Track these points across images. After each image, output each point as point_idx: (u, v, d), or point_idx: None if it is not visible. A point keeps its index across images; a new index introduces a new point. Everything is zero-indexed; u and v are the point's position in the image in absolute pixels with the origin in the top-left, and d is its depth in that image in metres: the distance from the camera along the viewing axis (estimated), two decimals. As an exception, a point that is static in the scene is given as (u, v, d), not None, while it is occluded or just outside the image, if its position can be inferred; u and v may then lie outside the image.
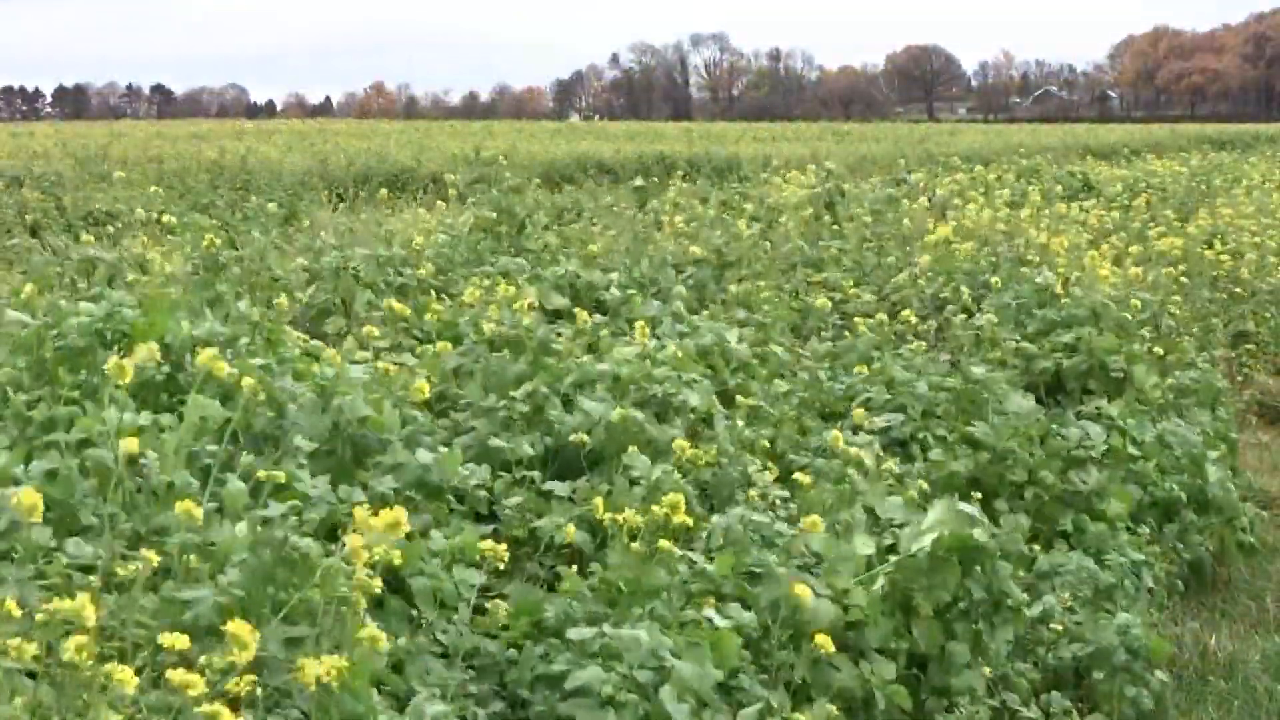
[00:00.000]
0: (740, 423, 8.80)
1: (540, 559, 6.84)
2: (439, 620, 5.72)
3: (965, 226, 19.25)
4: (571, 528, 6.60)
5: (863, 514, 7.35)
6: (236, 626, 4.00)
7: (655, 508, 6.28)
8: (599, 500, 6.55)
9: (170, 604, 4.57)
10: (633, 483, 7.16)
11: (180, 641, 3.96)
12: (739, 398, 9.07)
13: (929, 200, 22.64)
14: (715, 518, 6.91)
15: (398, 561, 4.89)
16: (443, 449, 6.97)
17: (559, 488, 7.22)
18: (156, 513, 5.34)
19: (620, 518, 6.31)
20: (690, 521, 6.40)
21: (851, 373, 10.90)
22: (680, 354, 9.41)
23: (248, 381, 6.20)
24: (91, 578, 4.70)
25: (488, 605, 5.83)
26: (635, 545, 6.25)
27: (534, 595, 6.18)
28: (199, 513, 4.81)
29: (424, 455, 6.79)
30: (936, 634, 6.94)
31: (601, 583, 6.13)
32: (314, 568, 4.71)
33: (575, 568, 6.34)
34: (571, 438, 7.73)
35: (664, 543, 6.15)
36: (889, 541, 7.09)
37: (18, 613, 3.87)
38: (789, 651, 6.23)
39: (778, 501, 7.69)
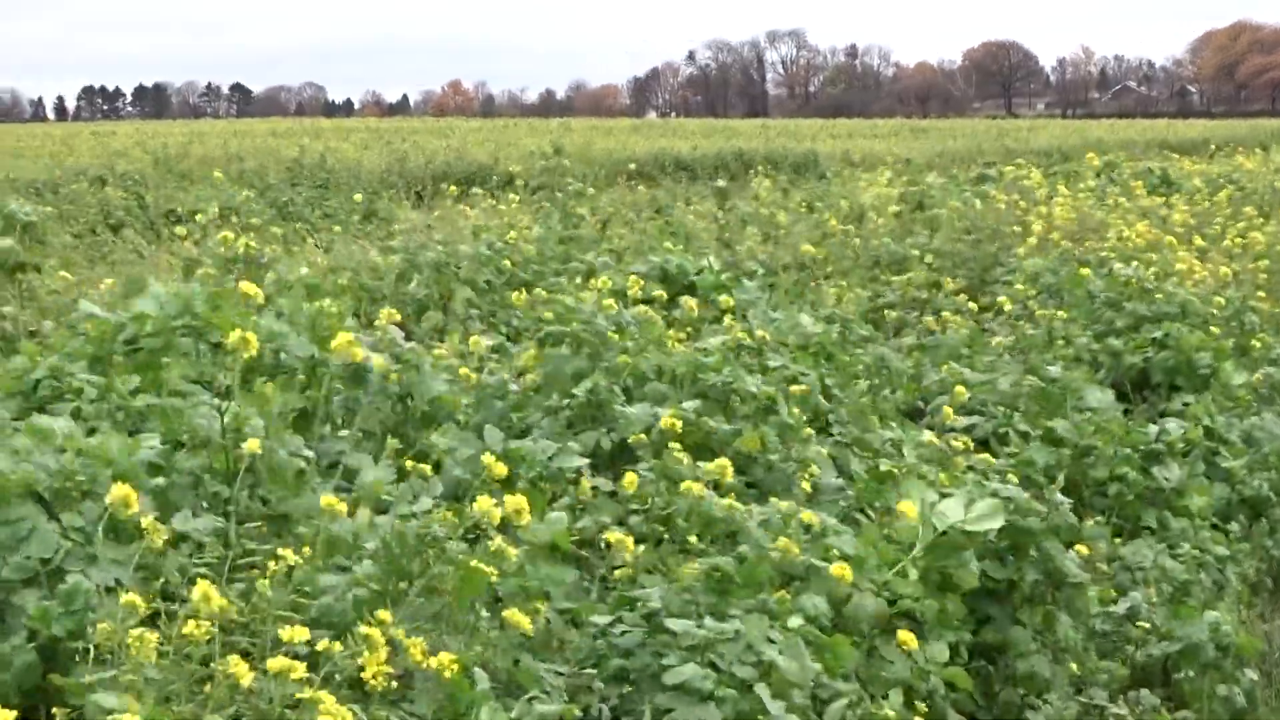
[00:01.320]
0: (796, 410, 8.76)
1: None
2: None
3: (1048, 222, 19.16)
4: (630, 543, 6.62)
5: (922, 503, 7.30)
6: (370, 629, 4.04)
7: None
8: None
9: (299, 593, 4.61)
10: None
11: (300, 634, 4.00)
12: (793, 388, 9.03)
13: (1012, 195, 22.51)
14: (756, 508, 6.87)
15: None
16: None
17: (601, 484, 7.22)
18: (279, 495, 5.42)
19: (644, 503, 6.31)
20: (741, 506, 6.42)
21: (938, 369, 10.89)
22: (768, 337, 9.42)
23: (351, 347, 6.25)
24: (206, 566, 4.75)
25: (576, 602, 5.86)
26: (694, 538, 6.27)
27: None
28: (342, 508, 4.87)
29: (491, 436, 6.82)
30: (1004, 623, 6.91)
31: (713, 571, 6.10)
32: (449, 558, 4.75)
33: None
34: (630, 439, 7.72)
35: (784, 540, 6.14)
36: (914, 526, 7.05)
37: (142, 605, 3.91)
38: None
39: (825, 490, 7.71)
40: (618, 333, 8.92)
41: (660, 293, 10.59)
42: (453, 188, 27.04)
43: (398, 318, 7.80)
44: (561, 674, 5.38)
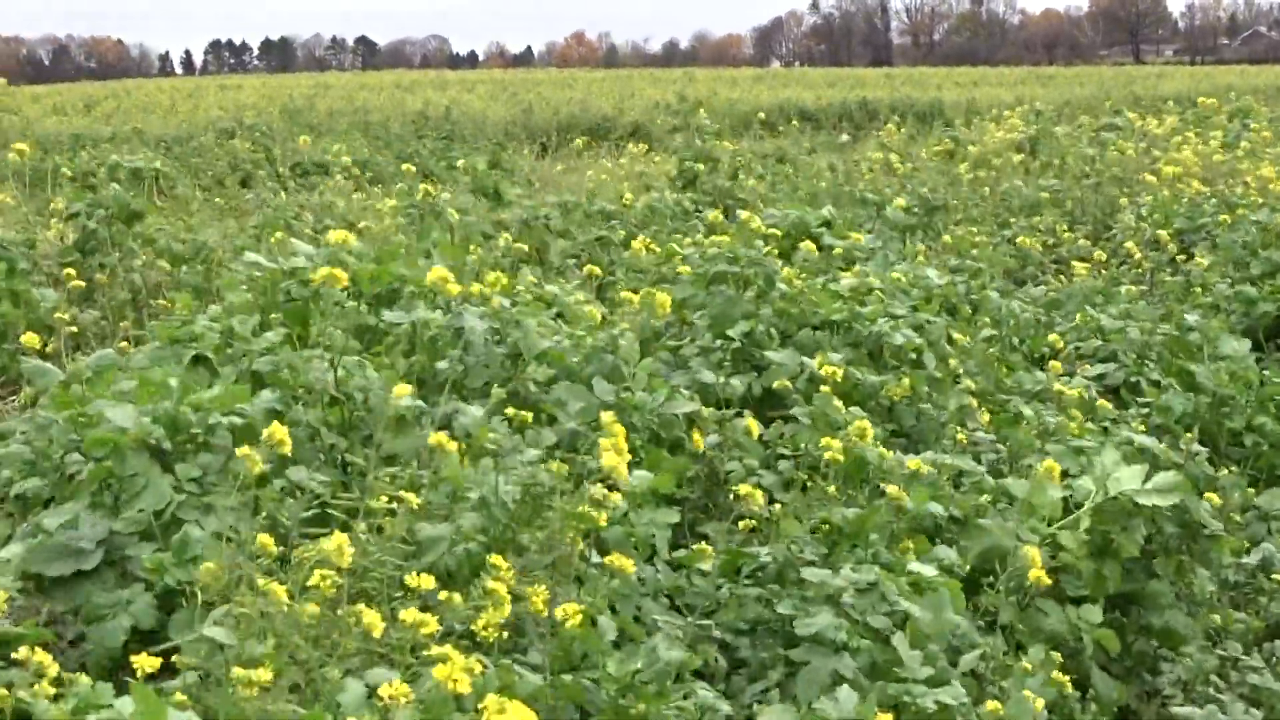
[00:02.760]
0: (954, 363, 8.70)
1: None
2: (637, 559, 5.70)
3: (1181, 168, 18.88)
4: (758, 494, 6.58)
5: (1065, 456, 7.21)
6: (494, 583, 4.03)
7: (843, 444, 6.22)
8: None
9: (407, 542, 4.61)
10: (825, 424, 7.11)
11: (426, 582, 3.99)
12: (955, 336, 8.95)
13: (1140, 143, 22.22)
14: (906, 458, 6.81)
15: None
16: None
17: (750, 423, 7.20)
18: (388, 440, 5.42)
19: (830, 455, 6.25)
20: (888, 456, 6.35)
21: (1070, 319, 10.75)
22: (905, 280, 9.34)
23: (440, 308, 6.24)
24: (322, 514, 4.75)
25: (693, 547, 5.83)
26: (832, 488, 6.21)
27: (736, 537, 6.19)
28: (451, 445, 4.86)
29: (602, 389, 6.80)
30: (1140, 575, 6.81)
31: (823, 523, 6.07)
32: (557, 507, 4.74)
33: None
34: (775, 384, 7.70)
35: (893, 488, 6.09)
36: (1085, 485, 6.96)
37: (274, 550, 3.92)
38: (999, 595, 6.15)
39: (981, 443, 7.62)
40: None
41: (776, 238, 10.51)
42: (580, 139, 27.05)
43: (505, 280, 7.79)
44: (676, 624, 5.36)
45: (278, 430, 4.29)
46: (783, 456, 6.89)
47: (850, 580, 5.42)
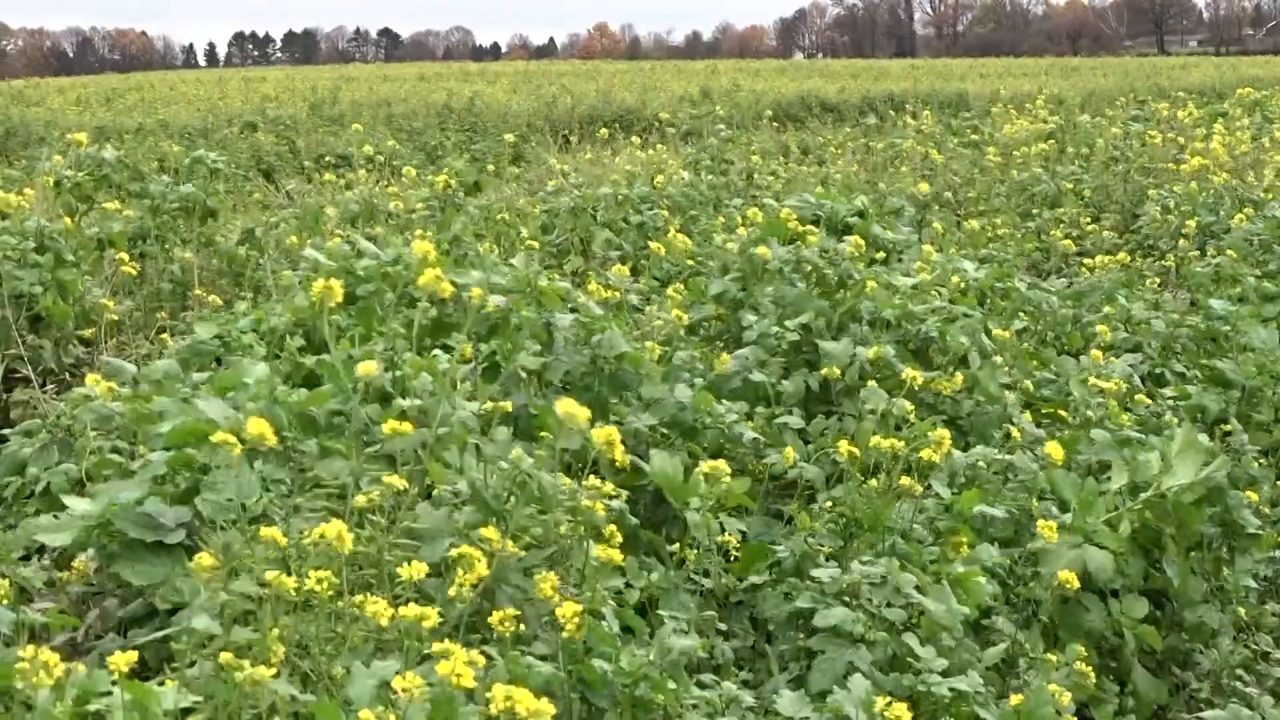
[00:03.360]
0: (1000, 359, 8.67)
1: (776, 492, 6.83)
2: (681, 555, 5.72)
3: (1204, 160, 18.82)
4: (791, 453, 6.57)
5: (1109, 449, 7.18)
6: (467, 549, 4.03)
7: (889, 441, 6.19)
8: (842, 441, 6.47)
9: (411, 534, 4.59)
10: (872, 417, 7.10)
11: (419, 571, 3.98)
12: (995, 332, 8.91)
13: (1167, 133, 22.14)
14: (958, 454, 6.80)
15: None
16: (699, 382, 7.00)
17: (793, 421, 7.20)
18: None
19: (845, 451, 6.23)
20: (937, 457, 6.30)
21: (1095, 311, 10.71)
22: (957, 281, 9.33)
23: (526, 315, 6.25)
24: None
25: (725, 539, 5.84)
26: (873, 481, 6.19)
27: (768, 533, 6.19)
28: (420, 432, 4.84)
29: (681, 392, 6.80)
30: (1188, 572, 6.77)
31: (839, 517, 6.06)
32: (551, 499, 4.72)
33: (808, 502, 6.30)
34: (823, 372, 7.69)
35: (906, 479, 6.07)
36: (1126, 479, 6.92)
37: (283, 540, 3.90)
38: (1036, 589, 6.14)
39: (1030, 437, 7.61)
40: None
41: (811, 231, 10.45)
42: (604, 130, 27.03)
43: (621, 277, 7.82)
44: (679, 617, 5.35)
45: (256, 424, 4.26)
46: (825, 450, 6.86)
47: (863, 574, 5.42)
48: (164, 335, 9.31)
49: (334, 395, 5.58)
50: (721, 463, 5.70)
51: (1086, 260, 13.33)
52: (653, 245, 10.92)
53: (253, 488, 4.80)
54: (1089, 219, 15.39)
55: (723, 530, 5.84)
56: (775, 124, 32.92)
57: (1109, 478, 6.80)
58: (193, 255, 11.93)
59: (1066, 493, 6.63)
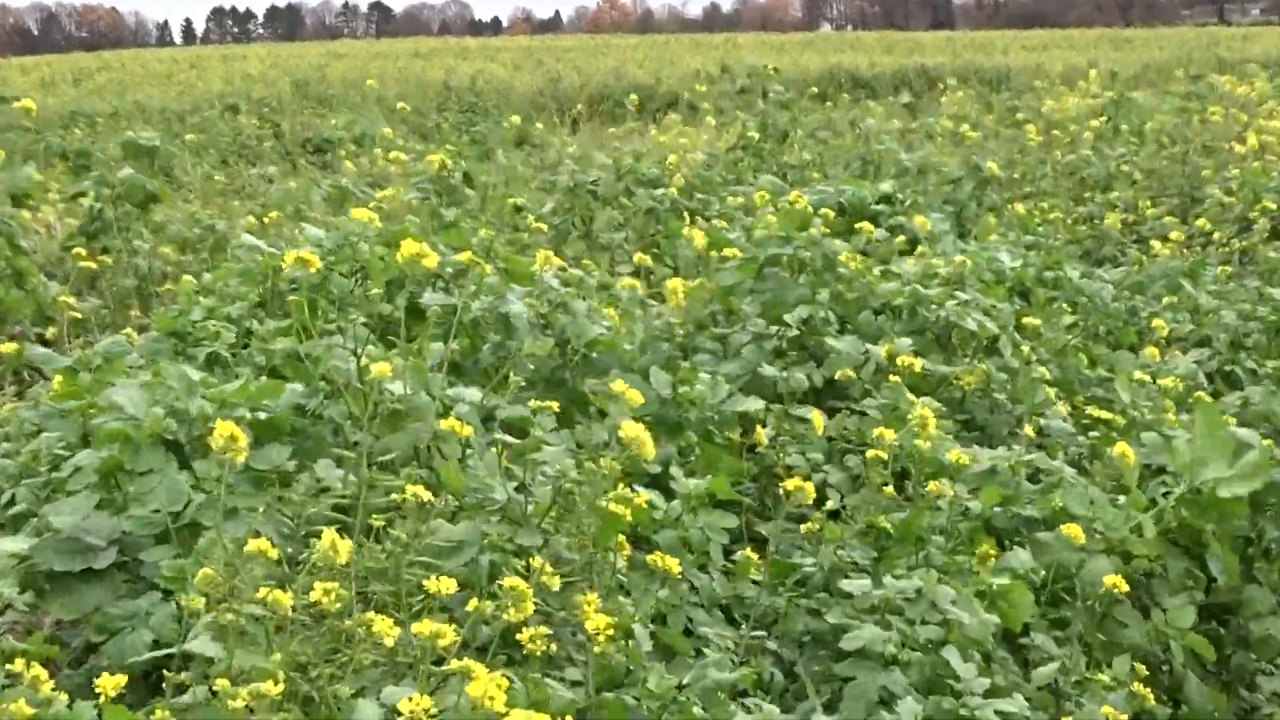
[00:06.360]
0: (1027, 350, 8.64)
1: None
2: (689, 568, 5.66)
3: (1270, 138, 18.76)
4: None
5: (1158, 448, 7.15)
6: (515, 583, 3.99)
7: (921, 442, 6.18)
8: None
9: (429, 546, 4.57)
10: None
11: (447, 585, 3.96)
12: (1024, 321, 8.89)
13: (1229, 108, 22.07)
14: (980, 452, 6.77)
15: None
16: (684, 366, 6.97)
17: (813, 415, 7.17)
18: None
19: (872, 454, 6.22)
20: (960, 459, 6.30)
21: (1154, 303, 10.66)
22: (970, 266, 9.28)
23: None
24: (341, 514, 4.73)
25: (739, 553, 5.82)
26: (889, 489, 6.17)
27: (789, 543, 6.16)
28: (465, 430, 4.83)
29: (659, 381, 6.75)
30: (1235, 570, 6.70)
31: (869, 527, 6.04)
32: (585, 501, 4.71)
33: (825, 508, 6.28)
34: (838, 375, 7.67)
35: (935, 483, 6.05)
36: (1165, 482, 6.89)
37: (273, 554, 3.88)
38: (1073, 605, 6.12)
39: (1059, 435, 7.58)
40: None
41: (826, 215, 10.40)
42: (634, 97, 26.98)
43: (558, 261, 7.76)
44: (728, 636, 5.33)
45: (224, 426, 4.24)
46: (849, 451, 6.85)
47: (895, 589, 5.39)
48: (129, 333, 9.30)
49: (288, 391, 5.60)
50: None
51: (1143, 247, 13.29)
52: (674, 227, 10.89)
53: (179, 494, 4.82)
54: (1147, 202, 15.34)
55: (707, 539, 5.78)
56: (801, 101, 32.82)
57: (1163, 483, 6.78)
58: (149, 245, 11.93)
59: (1071, 502, 6.55)
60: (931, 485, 6.10)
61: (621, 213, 13.34)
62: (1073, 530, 6.00)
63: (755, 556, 5.78)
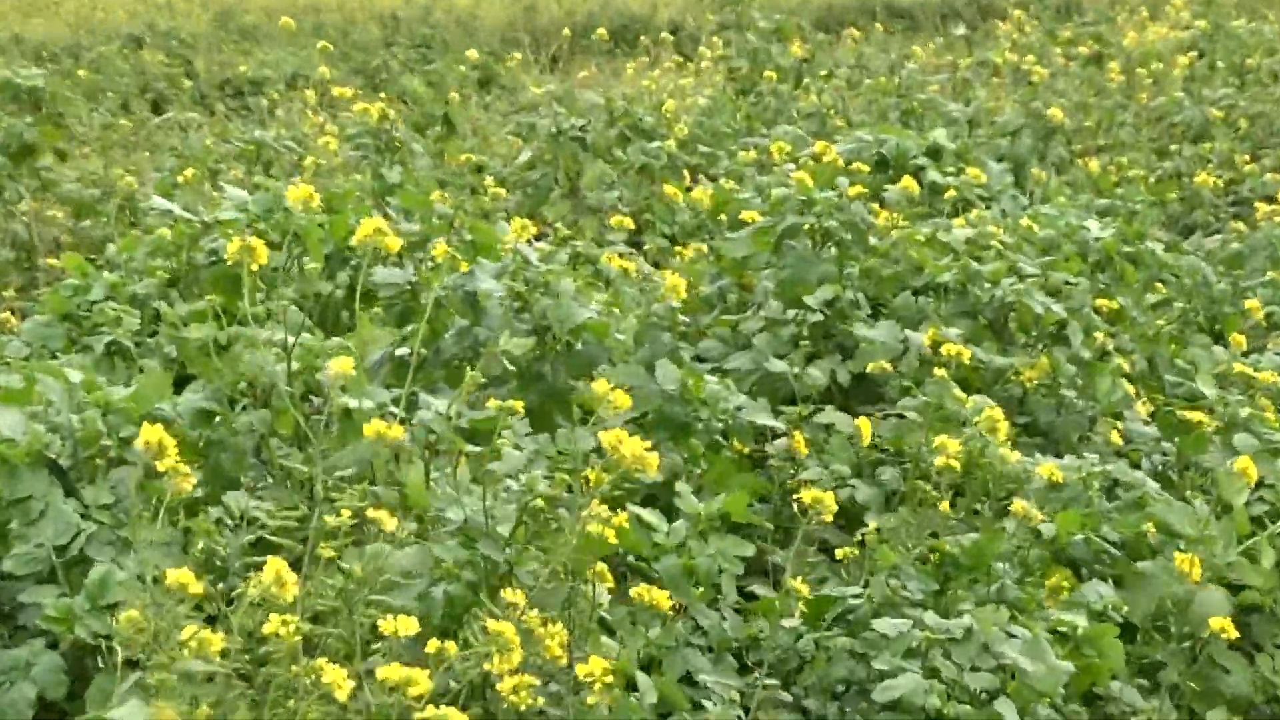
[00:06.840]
0: (1101, 336, 8.59)
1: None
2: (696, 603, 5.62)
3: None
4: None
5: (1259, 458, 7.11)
6: (501, 626, 3.97)
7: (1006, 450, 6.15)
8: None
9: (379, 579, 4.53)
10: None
11: (407, 625, 3.92)
12: (1100, 302, 8.85)
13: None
14: (1045, 460, 6.72)
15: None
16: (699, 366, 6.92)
17: (840, 420, 7.14)
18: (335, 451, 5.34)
19: (941, 462, 6.19)
20: (1055, 474, 6.26)
21: (1257, 277, 10.62)
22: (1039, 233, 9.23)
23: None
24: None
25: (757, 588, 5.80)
26: (946, 504, 6.14)
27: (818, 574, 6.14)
28: (395, 433, 4.80)
29: (666, 374, 6.67)
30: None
31: (932, 551, 5.99)
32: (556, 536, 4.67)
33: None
34: (869, 367, 7.62)
35: (1019, 504, 6.00)
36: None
37: (198, 589, 3.83)
38: (1163, 646, 6.08)
39: (1141, 440, 7.56)
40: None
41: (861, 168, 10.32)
42: (601, 31, 26.93)
43: (534, 230, 7.70)
44: (733, 685, 5.30)
45: (151, 431, 4.19)
46: (883, 462, 6.80)
47: (941, 628, 5.34)
48: (7, 315, 9.21)
49: (204, 391, 5.56)
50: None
51: (1242, 212, 13.26)
52: (668, 189, 10.83)
53: (68, 526, 4.78)
54: (1246, 157, 15.29)
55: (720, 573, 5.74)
56: (823, 32, 32.74)
57: (1261, 498, 6.74)
58: (32, 208, 11.87)
59: (1174, 520, 6.50)
60: (1016, 506, 6.04)
61: (615, 167, 13.22)
62: (1185, 561, 5.95)
63: (786, 596, 5.73)
